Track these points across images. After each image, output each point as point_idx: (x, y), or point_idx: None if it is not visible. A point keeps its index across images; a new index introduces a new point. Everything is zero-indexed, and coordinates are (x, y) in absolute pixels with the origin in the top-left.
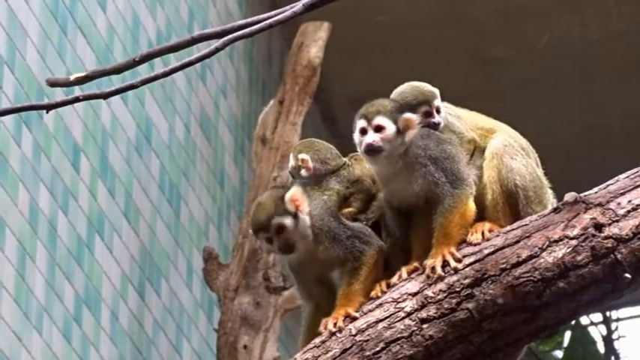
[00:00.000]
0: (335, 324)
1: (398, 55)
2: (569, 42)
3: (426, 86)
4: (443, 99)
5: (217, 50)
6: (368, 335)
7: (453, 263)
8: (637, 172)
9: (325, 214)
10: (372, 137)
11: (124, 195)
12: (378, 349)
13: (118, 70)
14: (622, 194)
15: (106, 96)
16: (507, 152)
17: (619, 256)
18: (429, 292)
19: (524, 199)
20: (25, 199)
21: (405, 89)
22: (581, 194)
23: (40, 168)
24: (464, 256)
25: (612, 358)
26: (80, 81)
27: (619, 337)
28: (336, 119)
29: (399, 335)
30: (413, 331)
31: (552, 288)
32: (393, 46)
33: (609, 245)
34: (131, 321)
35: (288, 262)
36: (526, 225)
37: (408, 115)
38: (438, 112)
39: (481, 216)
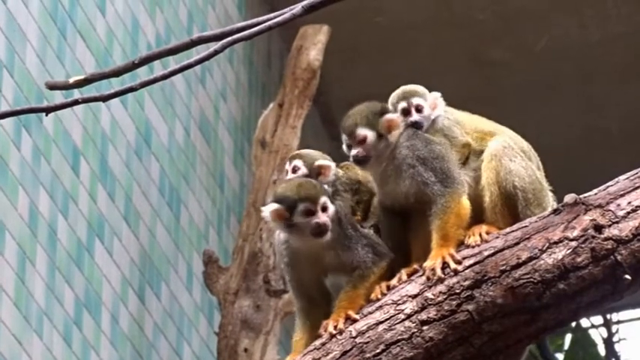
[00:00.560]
0: (335, 326)
1: (397, 58)
2: (567, 44)
3: (412, 87)
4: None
5: (216, 53)
6: (368, 337)
7: (452, 265)
8: (636, 173)
9: (343, 220)
10: (355, 150)
11: (124, 198)
12: (378, 351)
13: (117, 73)
14: (622, 196)
15: (105, 99)
16: (506, 154)
17: (619, 257)
18: (428, 294)
19: (523, 200)
20: (25, 202)
21: (394, 92)
22: (581, 196)
23: (39, 172)
24: (464, 258)
25: None
26: (79, 84)
27: (620, 339)
28: (335, 122)
29: (399, 337)
30: (413, 333)
31: (552, 289)
32: (392, 49)
33: (609, 247)
34: (131, 324)
35: (287, 258)
36: (526, 227)
37: (388, 116)
38: (419, 110)
39: (480, 218)
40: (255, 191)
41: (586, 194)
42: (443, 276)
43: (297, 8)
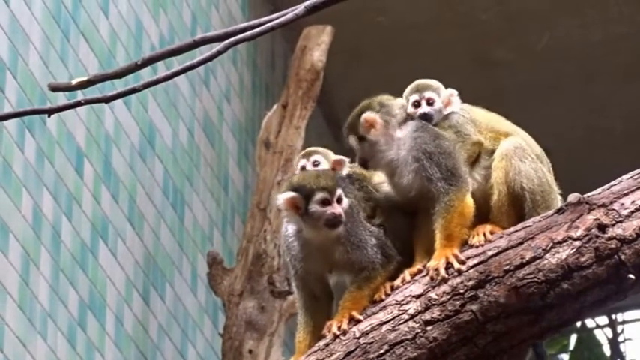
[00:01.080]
0: (339, 327)
1: (401, 58)
2: (570, 44)
3: (426, 80)
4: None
5: (219, 53)
6: (372, 338)
7: (456, 265)
8: None
9: (356, 218)
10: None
11: (128, 200)
12: (382, 351)
13: (120, 75)
14: (625, 195)
15: (107, 100)
16: (517, 154)
17: (623, 256)
18: (432, 294)
19: (531, 202)
20: (29, 204)
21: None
22: (585, 195)
23: (43, 173)
24: (467, 258)
25: None
26: (82, 85)
27: (625, 339)
28: (339, 122)
29: (402, 337)
30: (417, 333)
31: (556, 289)
32: (395, 49)
33: (613, 246)
34: (136, 326)
35: (296, 249)
36: (529, 226)
37: (364, 115)
38: (430, 103)
39: (486, 217)
40: (259, 192)
41: (589, 194)
42: (447, 276)
43: (300, 9)
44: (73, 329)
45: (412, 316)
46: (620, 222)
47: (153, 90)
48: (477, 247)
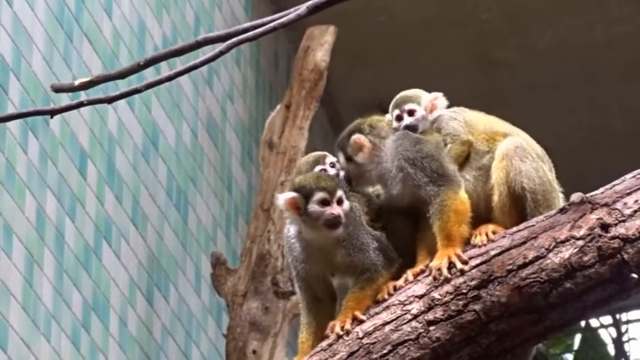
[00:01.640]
0: (342, 327)
1: (403, 58)
2: (572, 44)
3: (406, 93)
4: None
5: (222, 53)
6: (375, 338)
7: (459, 265)
8: None
9: (358, 221)
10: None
11: (132, 201)
12: (385, 351)
13: (122, 75)
14: (628, 194)
15: (110, 100)
16: (518, 154)
17: (625, 256)
18: (435, 294)
19: (532, 202)
20: (32, 205)
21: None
22: (588, 194)
23: (46, 174)
24: (470, 258)
25: None
26: (85, 86)
27: (629, 339)
28: (343, 123)
29: (406, 338)
30: (420, 334)
31: (559, 289)
32: (398, 49)
33: (616, 245)
34: (139, 327)
35: (297, 251)
36: (532, 226)
37: (353, 137)
38: (411, 114)
39: (487, 217)
40: (262, 193)
41: (592, 193)
42: (449, 276)
43: (302, 9)
44: (76, 330)
45: (415, 317)
46: (623, 221)
47: (156, 90)
48: (479, 247)
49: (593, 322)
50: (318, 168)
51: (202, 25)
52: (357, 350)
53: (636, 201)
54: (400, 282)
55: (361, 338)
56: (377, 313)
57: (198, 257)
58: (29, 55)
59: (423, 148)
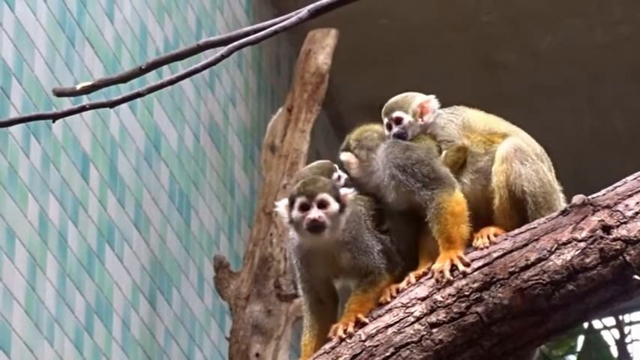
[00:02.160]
0: (345, 330)
1: (405, 60)
2: (574, 45)
3: (394, 100)
4: (449, 104)
5: (223, 57)
6: (377, 340)
7: (461, 267)
8: None
9: (361, 224)
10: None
11: (134, 205)
12: (387, 354)
13: (124, 79)
14: (630, 196)
15: (112, 104)
16: (517, 157)
17: (627, 257)
18: (438, 297)
19: (533, 205)
20: (35, 209)
21: None
22: (589, 196)
23: (49, 178)
24: (472, 260)
25: None
26: (86, 90)
27: (632, 340)
28: (345, 126)
29: (408, 340)
30: (422, 336)
31: (561, 291)
32: (399, 52)
33: (618, 247)
34: (142, 331)
35: (301, 256)
36: (534, 228)
37: (340, 157)
38: (398, 122)
39: (488, 220)
40: (265, 196)
41: (594, 195)
42: (452, 278)
43: (304, 12)
44: (79, 334)
45: (418, 319)
46: (625, 223)
47: (158, 94)
48: (481, 249)
49: (596, 324)
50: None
51: (204, 28)
52: (360, 353)
53: (638, 203)
54: (403, 284)
55: (364, 341)
56: (379, 316)
57: (201, 261)
58: (31, 59)
59: (412, 154)
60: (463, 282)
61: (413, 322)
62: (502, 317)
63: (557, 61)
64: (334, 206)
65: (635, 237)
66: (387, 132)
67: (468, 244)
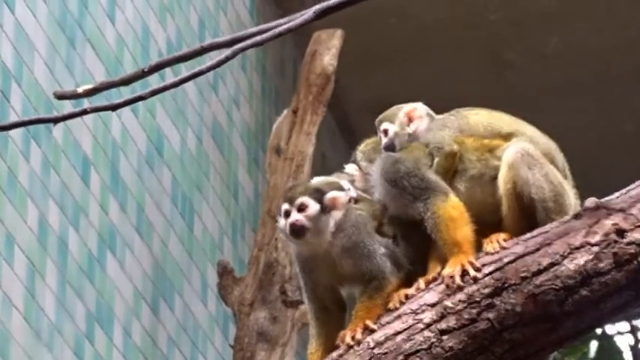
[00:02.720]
0: (353, 337)
1: (412, 61)
2: (582, 48)
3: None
4: (458, 104)
5: (227, 59)
6: (386, 348)
7: (472, 272)
8: None
9: (362, 229)
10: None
11: (136, 209)
12: None
13: (126, 82)
14: None
15: (114, 108)
16: (525, 162)
17: None
18: (448, 303)
19: (543, 210)
20: (35, 214)
21: None
22: (602, 200)
23: (49, 183)
24: (483, 265)
25: None
26: (88, 93)
27: None
28: (352, 128)
29: (418, 347)
30: (432, 343)
31: (574, 296)
32: (406, 52)
33: (632, 251)
34: (144, 338)
35: (303, 263)
36: (546, 232)
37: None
38: (385, 134)
39: (494, 224)
40: (269, 199)
41: (607, 198)
42: (462, 284)
43: (309, 13)
44: (80, 342)
45: (427, 326)
46: (639, 226)
47: (160, 96)
48: (492, 254)
49: (610, 330)
50: None
51: (207, 29)
52: None
53: None
54: (412, 290)
55: (372, 348)
56: (388, 323)
57: (205, 266)
58: (31, 61)
59: (400, 167)
60: (474, 288)
61: (422, 329)
62: (514, 323)
63: (565, 62)
64: (313, 208)
65: None
66: (381, 144)
67: (477, 249)
